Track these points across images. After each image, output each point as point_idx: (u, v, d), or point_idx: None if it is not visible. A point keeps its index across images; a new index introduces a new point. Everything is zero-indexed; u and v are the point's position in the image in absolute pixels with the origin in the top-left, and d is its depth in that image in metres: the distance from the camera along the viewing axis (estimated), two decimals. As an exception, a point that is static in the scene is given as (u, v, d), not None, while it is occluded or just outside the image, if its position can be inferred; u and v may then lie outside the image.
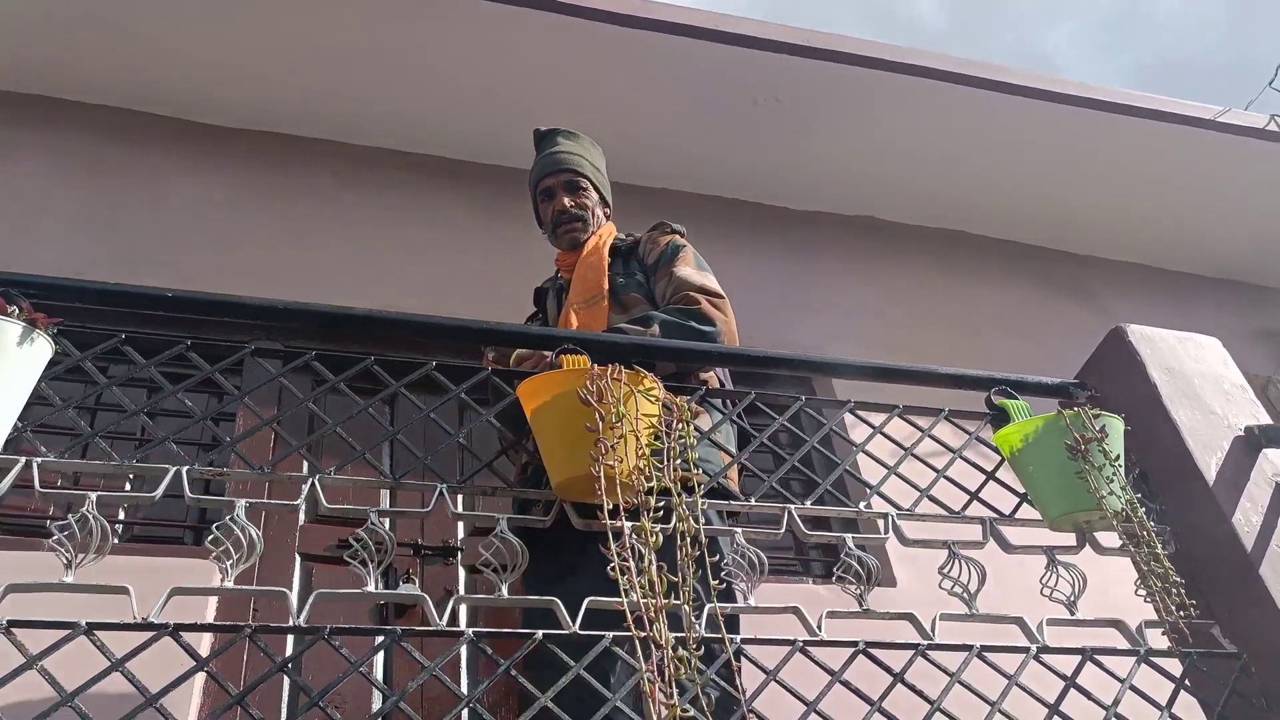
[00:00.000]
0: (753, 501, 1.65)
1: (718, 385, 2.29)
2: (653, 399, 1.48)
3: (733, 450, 1.96)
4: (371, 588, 1.36)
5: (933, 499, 1.74)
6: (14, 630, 1.19)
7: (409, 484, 1.49)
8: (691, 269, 2.32)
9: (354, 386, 1.63)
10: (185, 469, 1.39)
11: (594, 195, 2.52)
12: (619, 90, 3.91)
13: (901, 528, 1.66)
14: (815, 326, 3.97)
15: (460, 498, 1.46)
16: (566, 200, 2.46)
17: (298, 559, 2.74)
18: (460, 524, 2.95)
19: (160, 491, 1.38)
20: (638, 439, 1.42)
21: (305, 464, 2.77)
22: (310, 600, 1.31)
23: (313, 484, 1.44)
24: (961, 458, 1.83)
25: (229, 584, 1.33)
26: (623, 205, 4.20)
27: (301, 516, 2.73)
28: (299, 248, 3.51)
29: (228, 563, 1.33)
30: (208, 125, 3.80)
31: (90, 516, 1.30)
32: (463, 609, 2.68)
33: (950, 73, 4.05)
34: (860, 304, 4.22)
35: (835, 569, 1.55)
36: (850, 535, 1.59)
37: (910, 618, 1.54)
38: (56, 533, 1.27)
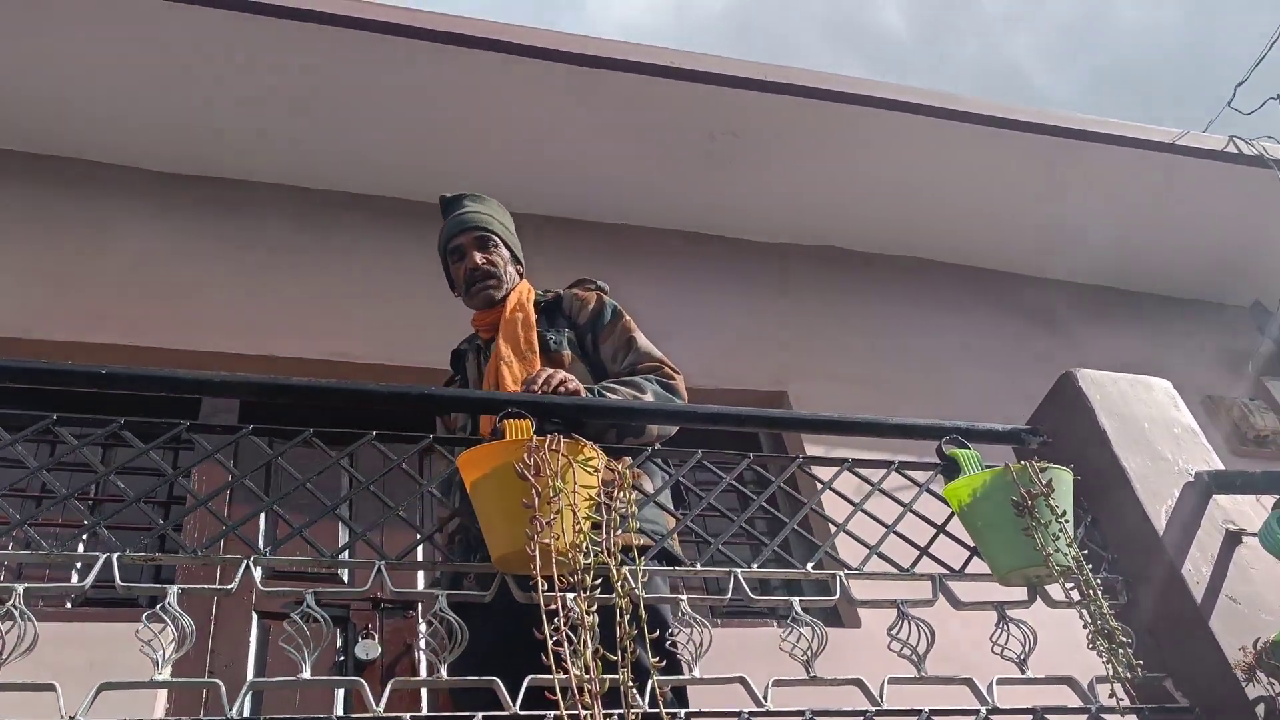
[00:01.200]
0: (698, 566, 1.63)
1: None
2: (591, 470, 1.46)
3: (676, 514, 1.94)
4: (306, 675, 1.34)
5: (882, 556, 1.73)
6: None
7: (346, 562, 1.46)
8: (644, 338, 2.33)
9: (304, 449, 1.61)
10: (116, 556, 1.37)
11: (505, 252, 2.49)
12: (576, 129, 3.92)
13: (850, 588, 1.65)
14: (779, 361, 3.97)
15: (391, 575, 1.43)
16: (478, 257, 2.42)
17: (254, 616, 2.71)
18: (420, 573, 2.92)
19: (89, 581, 1.35)
20: (574, 513, 1.40)
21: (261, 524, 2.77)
22: (243, 691, 1.29)
23: (246, 566, 1.41)
24: (912, 512, 1.82)
25: (163, 675, 1.30)
26: (582, 243, 4.21)
27: (258, 574, 2.69)
28: (251, 295, 3.48)
29: (158, 653, 1.30)
30: (155, 173, 3.76)
31: (17, 612, 1.27)
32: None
33: (907, 103, 4.07)
34: (825, 337, 4.23)
35: (783, 636, 1.54)
36: (798, 599, 1.57)
37: (859, 683, 1.52)
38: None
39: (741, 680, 1.47)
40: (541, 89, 3.75)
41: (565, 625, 1.30)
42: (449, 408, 2.00)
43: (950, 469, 1.88)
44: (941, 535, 1.81)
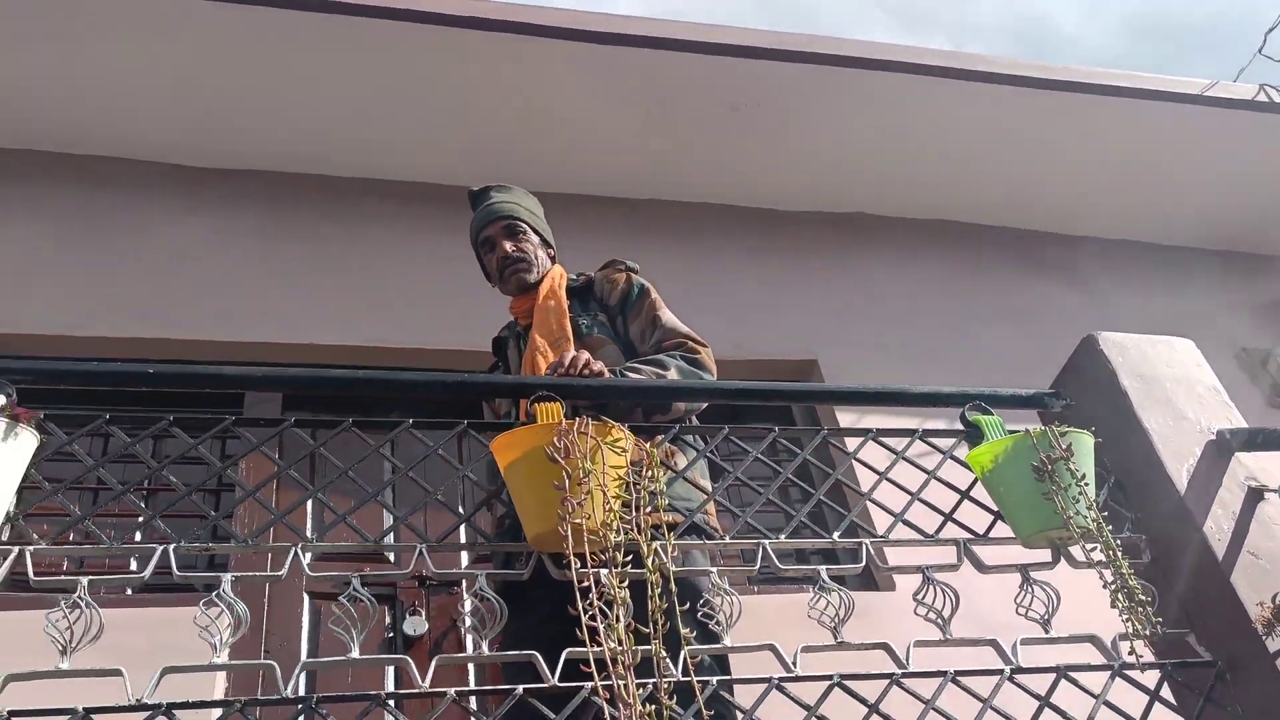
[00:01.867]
0: (727, 539, 1.68)
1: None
2: (619, 450, 1.52)
3: (708, 486, 1.99)
4: (355, 654, 1.41)
5: (907, 523, 1.77)
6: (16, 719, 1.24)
7: (390, 545, 1.53)
8: (672, 314, 2.37)
9: (348, 435, 1.67)
10: (172, 547, 1.44)
11: (534, 238, 2.55)
12: (597, 106, 3.95)
13: (878, 555, 1.69)
14: (807, 329, 4.00)
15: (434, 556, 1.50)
16: (508, 245, 2.48)
17: (305, 598, 2.80)
18: (464, 553, 3.01)
19: (149, 572, 1.43)
20: (604, 493, 1.45)
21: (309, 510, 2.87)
22: (296, 671, 1.36)
23: (295, 553, 1.48)
24: (937, 479, 1.86)
25: (221, 659, 1.38)
26: (608, 219, 4.25)
27: (305, 559, 2.79)
28: (285, 286, 3.56)
29: (216, 637, 1.38)
30: (189, 167, 3.84)
31: (83, 602, 1.35)
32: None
33: (927, 65, 4.06)
34: (852, 304, 4.25)
35: (811, 604, 1.59)
36: (825, 568, 1.62)
37: (885, 647, 1.57)
38: (49, 622, 1.32)
39: (771, 647, 1.52)
40: (561, 68, 3.78)
41: (599, 600, 1.37)
42: (483, 394, 2.05)
43: (974, 435, 1.92)
44: (966, 500, 1.86)
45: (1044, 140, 4.51)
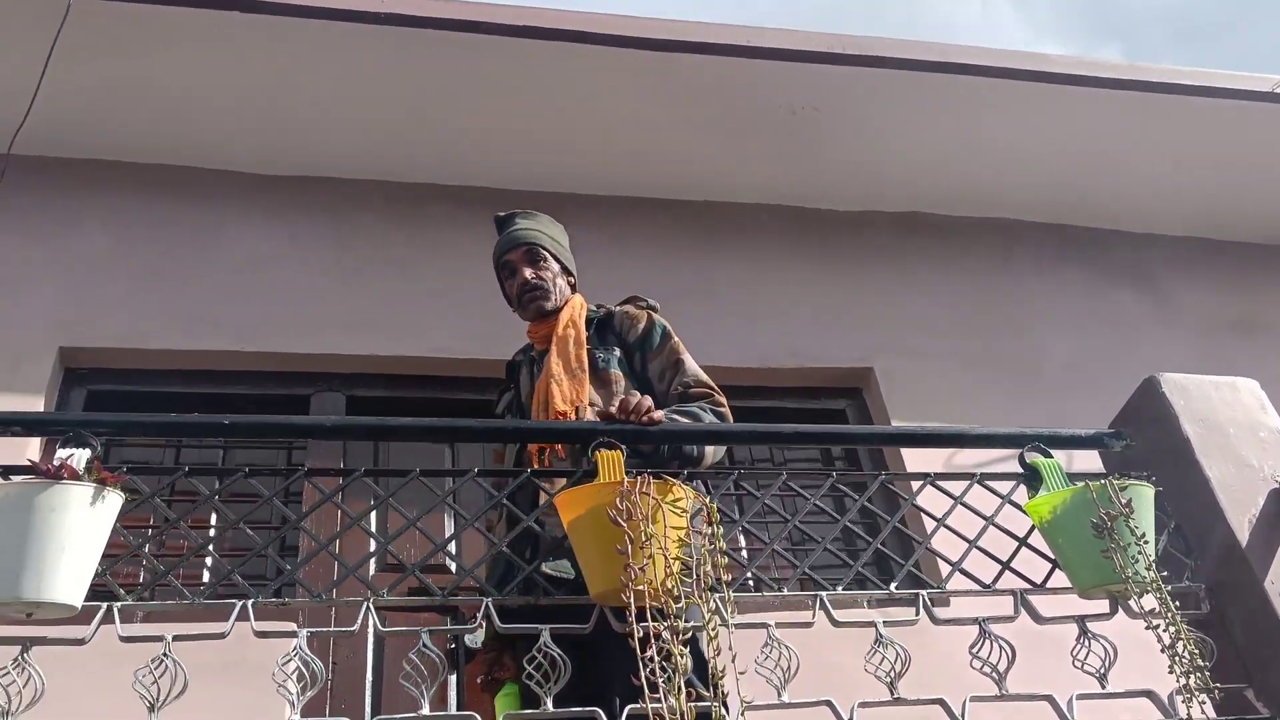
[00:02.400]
0: (785, 591, 1.71)
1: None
2: (679, 511, 1.55)
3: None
4: (425, 710, 1.47)
5: (964, 573, 1.78)
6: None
7: (456, 599, 1.59)
8: (693, 361, 2.41)
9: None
10: (250, 603, 1.51)
11: (555, 266, 2.56)
12: (656, 111, 3.95)
13: (933, 608, 1.71)
14: (863, 339, 4.00)
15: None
16: (528, 272, 2.51)
17: (370, 640, 2.88)
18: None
19: (229, 628, 1.49)
20: (665, 557, 1.49)
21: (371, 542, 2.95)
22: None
23: (367, 608, 1.54)
24: (994, 525, 1.87)
25: (295, 718, 1.44)
26: (666, 222, 4.27)
27: (372, 567, 2.88)
28: (353, 294, 3.63)
29: (294, 693, 1.44)
30: (258, 175, 3.91)
31: (168, 660, 1.42)
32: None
33: (987, 66, 4.00)
34: (909, 308, 4.23)
35: (866, 656, 1.62)
36: (882, 619, 1.65)
37: (941, 702, 1.59)
38: (137, 678, 1.39)
39: (828, 703, 1.56)
40: (620, 75, 3.78)
41: (660, 658, 1.42)
42: (534, 439, 2.09)
43: (1032, 478, 1.92)
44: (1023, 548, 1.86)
45: (1108, 137, 4.42)
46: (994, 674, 1.65)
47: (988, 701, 1.62)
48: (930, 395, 3.88)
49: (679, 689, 1.40)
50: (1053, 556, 1.84)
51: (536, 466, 2.06)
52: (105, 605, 1.48)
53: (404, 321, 3.55)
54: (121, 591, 1.51)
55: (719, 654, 1.44)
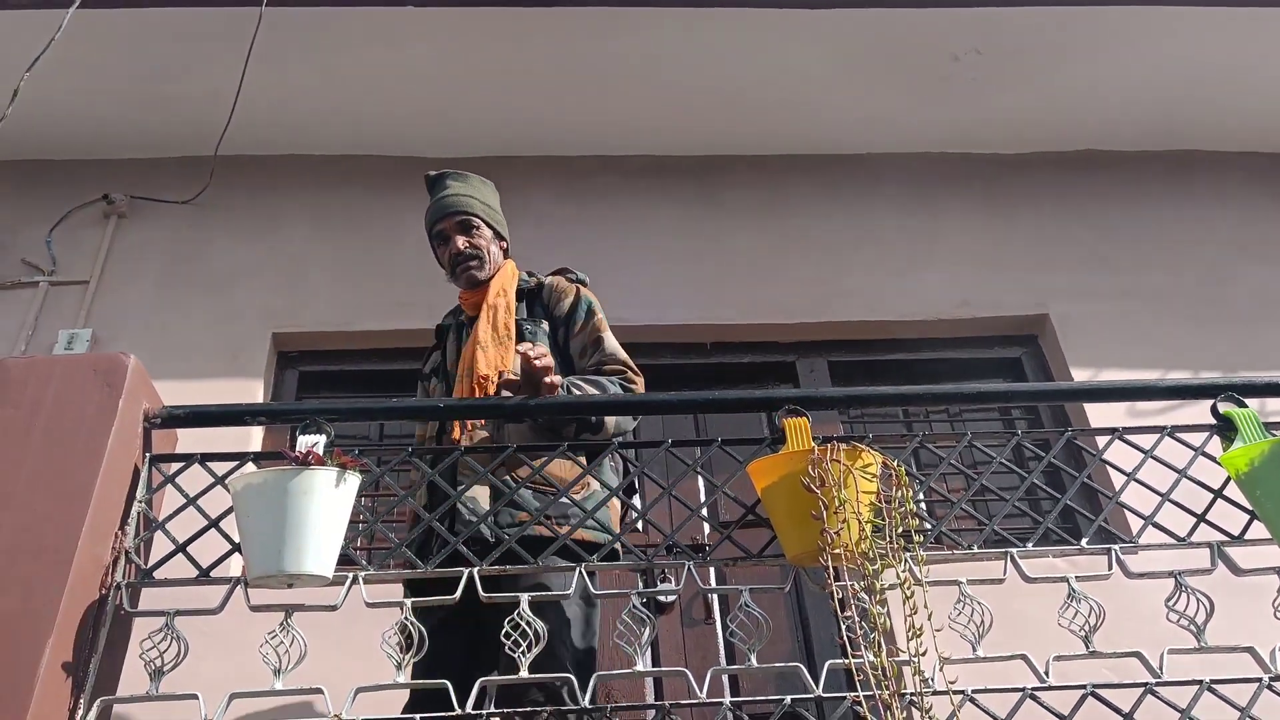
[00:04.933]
0: (974, 549, 1.76)
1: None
2: (869, 476, 1.62)
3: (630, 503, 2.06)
4: (640, 665, 1.61)
5: (1158, 526, 1.79)
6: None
7: (661, 562, 1.71)
8: (614, 339, 2.44)
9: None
10: (476, 570, 1.67)
11: (487, 233, 2.58)
12: (817, 68, 3.95)
13: (1126, 562, 1.73)
14: (1037, 284, 3.93)
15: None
16: (461, 241, 2.53)
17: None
18: (705, 525, 3.21)
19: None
20: (859, 518, 1.57)
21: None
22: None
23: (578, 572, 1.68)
24: (1187, 477, 1.87)
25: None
26: (826, 176, 4.28)
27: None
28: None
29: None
30: (437, 159, 4.08)
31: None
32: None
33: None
34: (1084, 249, 4.12)
35: (1059, 610, 1.66)
36: (1075, 575, 1.69)
37: (1138, 655, 1.62)
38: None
39: (1024, 657, 1.61)
40: (779, 34, 3.79)
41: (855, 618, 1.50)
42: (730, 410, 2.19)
43: (1226, 428, 1.90)
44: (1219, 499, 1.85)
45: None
46: (1191, 626, 1.67)
47: (1185, 654, 1.64)
48: (1110, 337, 3.79)
49: (879, 645, 1.49)
50: (1249, 507, 1.82)
51: (457, 439, 2.21)
52: (350, 575, 1.66)
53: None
54: (363, 560, 1.69)
55: (914, 612, 1.52)
